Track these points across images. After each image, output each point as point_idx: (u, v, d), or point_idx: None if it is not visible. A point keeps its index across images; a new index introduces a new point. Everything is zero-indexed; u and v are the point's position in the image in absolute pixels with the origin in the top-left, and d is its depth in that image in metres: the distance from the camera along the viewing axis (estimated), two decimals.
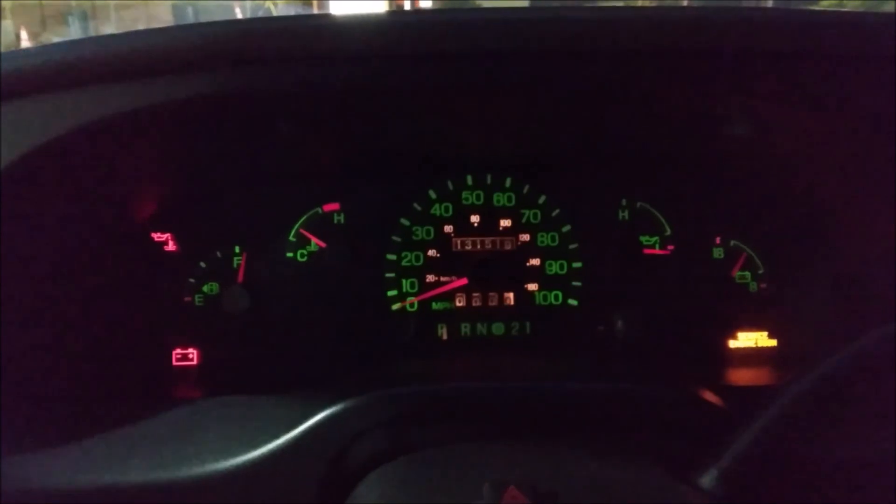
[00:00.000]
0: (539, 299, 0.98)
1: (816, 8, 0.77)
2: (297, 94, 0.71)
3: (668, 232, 0.99)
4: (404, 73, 0.69)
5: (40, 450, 0.69)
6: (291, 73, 0.67)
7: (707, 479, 0.57)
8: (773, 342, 0.99)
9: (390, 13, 0.71)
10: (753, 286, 0.99)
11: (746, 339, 0.99)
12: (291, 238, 0.96)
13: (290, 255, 0.96)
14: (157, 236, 0.93)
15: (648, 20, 0.67)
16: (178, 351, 0.93)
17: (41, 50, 0.66)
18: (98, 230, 0.86)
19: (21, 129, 0.65)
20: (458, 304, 0.98)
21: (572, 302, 0.98)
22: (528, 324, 0.99)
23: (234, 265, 0.95)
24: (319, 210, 0.96)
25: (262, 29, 0.66)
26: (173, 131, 0.77)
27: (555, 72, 0.71)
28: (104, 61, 0.65)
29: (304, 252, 0.96)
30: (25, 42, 11.94)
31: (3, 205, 0.68)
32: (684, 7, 0.73)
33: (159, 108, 0.66)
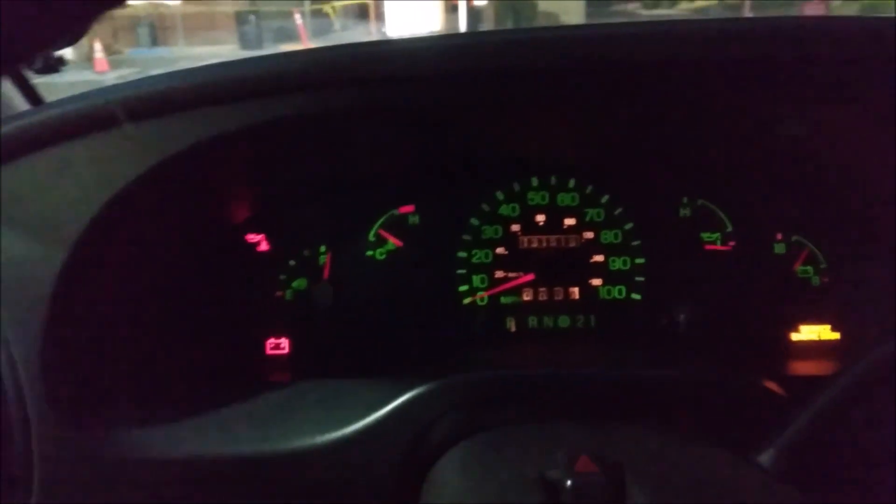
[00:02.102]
0: (603, 293, 1.03)
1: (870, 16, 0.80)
2: (376, 111, 0.78)
3: (730, 228, 1.02)
4: (472, 91, 0.76)
5: (158, 424, 0.78)
6: (371, 94, 0.74)
7: (766, 457, 0.62)
8: (837, 335, 1.01)
9: (459, 35, 0.77)
10: (816, 280, 1.02)
11: (809, 333, 1.01)
12: (371, 238, 1.04)
13: (369, 253, 1.04)
14: (251, 238, 1.02)
15: (704, 33, 0.72)
16: (272, 341, 1.02)
17: (157, 78, 0.75)
18: (201, 234, 0.96)
19: (143, 149, 0.74)
20: (525, 298, 1.04)
21: (636, 296, 1.03)
22: (592, 317, 1.03)
23: (320, 263, 1.03)
24: (396, 212, 1.04)
25: (345, 55, 0.74)
26: (265, 148, 0.85)
27: (614, 85, 0.76)
28: (207, 88, 0.73)
29: (383, 251, 1.04)
30: (99, 53, 12.56)
31: (127, 215, 0.78)
32: (738, 18, 0.77)
33: (254, 129, 0.74)
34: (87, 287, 0.77)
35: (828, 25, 0.73)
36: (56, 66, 1.20)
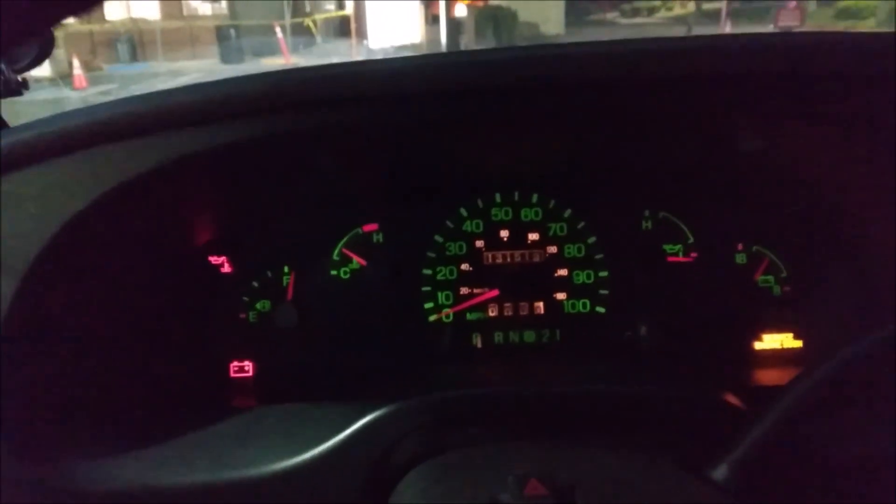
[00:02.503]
0: (568, 307, 1.04)
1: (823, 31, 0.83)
2: (338, 133, 0.78)
3: (691, 240, 1.03)
4: (434, 110, 0.77)
5: (113, 453, 0.77)
6: (332, 115, 0.74)
7: (719, 472, 0.62)
8: (799, 343, 1.02)
9: (420, 57, 0.78)
10: (777, 289, 1.03)
11: (772, 342, 1.02)
12: (335, 257, 1.03)
13: (333, 272, 1.03)
14: (213, 259, 1.01)
15: (663, 50, 0.73)
16: (235, 364, 1.01)
17: (113, 104, 0.75)
18: (162, 257, 0.95)
19: (95, 175, 0.73)
20: (490, 314, 1.04)
21: (600, 309, 1.03)
22: (557, 331, 1.04)
23: (284, 284, 1.02)
24: (360, 231, 1.04)
25: (307, 78, 0.74)
26: (227, 170, 0.85)
27: (575, 103, 0.78)
28: (167, 112, 0.73)
29: (347, 270, 1.03)
30: (78, 69, 12.49)
31: (86, 237, 0.77)
32: (697, 36, 0.79)
33: (215, 152, 0.74)
34: (39, 315, 0.76)
35: (784, 43, 0.75)
36: (19, 88, 1.19)
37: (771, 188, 1.01)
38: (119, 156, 0.73)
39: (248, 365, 1.01)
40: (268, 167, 0.90)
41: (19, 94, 1.21)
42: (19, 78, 1.19)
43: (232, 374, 1.01)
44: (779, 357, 1.01)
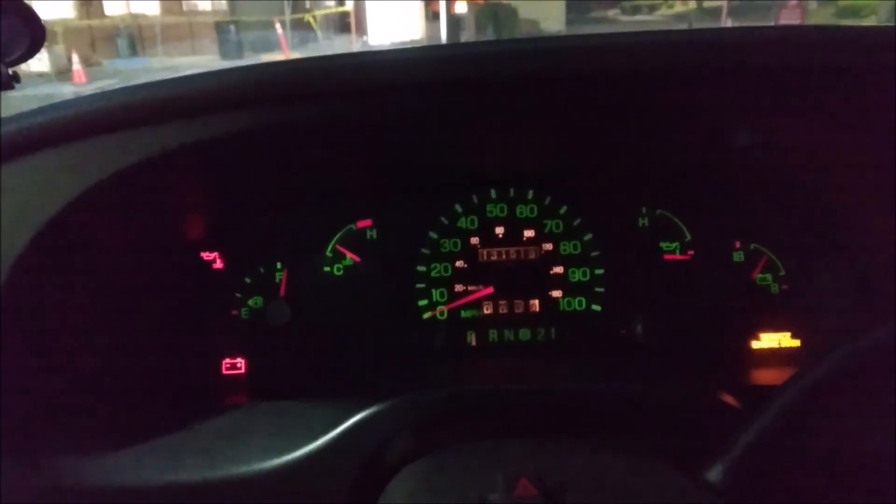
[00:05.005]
0: (563, 305, 1.03)
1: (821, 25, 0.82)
2: (332, 126, 0.77)
3: (688, 237, 1.02)
4: (429, 104, 0.76)
5: (103, 450, 0.76)
6: (326, 108, 0.73)
7: (713, 473, 0.61)
8: (797, 342, 1.01)
9: (415, 49, 0.77)
10: (775, 288, 1.02)
11: (769, 340, 1.01)
12: (328, 254, 1.02)
13: (327, 269, 1.02)
14: (205, 255, 1.00)
15: (660, 44, 0.72)
16: (227, 360, 1.00)
17: (100, 96, 0.74)
18: (153, 252, 0.94)
19: (83, 168, 0.72)
20: (485, 311, 1.03)
21: (595, 307, 1.02)
22: (552, 329, 1.03)
23: (277, 280, 1.01)
24: (353, 227, 1.03)
25: (301, 70, 0.73)
26: (219, 164, 0.84)
27: (571, 97, 0.76)
28: (156, 104, 0.72)
29: (340, 266, 1.02)
30: (77, 65, 12.47)
31: (72, 233, 0.76)
32: (693, 30, 0.77)
33: (206, 144, 0.73)
34: (26, 310, 0.75)
35: (781, 36, 0.74)
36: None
37: (768, 186, 1.00)
38: (107, 148, 0.72)
39: (241, 362, 1.00)
40: (260, 161, 0.88)
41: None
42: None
43: (224, 371, 1.00)
44: (776, 356, 1.00)
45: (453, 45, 0.76)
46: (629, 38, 0.73)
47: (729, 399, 0.77)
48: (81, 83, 12.06)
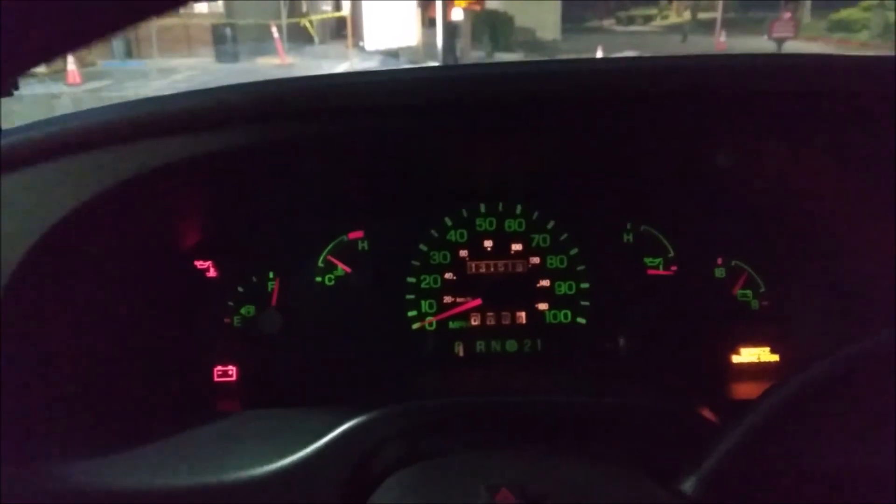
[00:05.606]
0: (549, 318, 1.05)
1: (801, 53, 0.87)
2: (324, 142, 0.80)
3: (672, 253, 1.05)
4: (420, 122, 0.79)
5: (95, 456, 0.77)
6: (319, 126, 0.76)
7: (688, 485, 0.63)
8: (776, 357, 1.04)
9: (407, 70, 0.80)
10: (755, 304, 1.04)
11: (749, 355, 1.03)
12: (320, 264, 1.04)
13: (318, 279, 1.04)
14: (199, 264, 1.02)
15: (646, 68, 0.75)
16: (219, 368, 1.02)
17: (102, 110, 0.76)
18: (148, 260, 0.96)
19: (82, 180, 0.74)
20: (473, 322, 1.05)
21: (581, 320, 1.05)
22: (539, 341, 1.05)
23: (269, 289, 1.03)
24: (345, 238, 1.05)
25: (293, 88, 0.75)
26: (214, 177, 0.86)
27: (561, 117, 0.80)
28: (155, 119, 0.74)
29: (332, 277, 1.04)
30: (72, 65, 12.43)
31: (68, 243, 0.78)
32: (679, 56, 0.81)
33: (203, 159, 0.75)
34: (23, 319, 0.77)
35: (763, 63, 0.77)
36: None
37: (751, 204, 1.02)
38: (106, 161, 0.74)
39: (232, 369, 1.02)
40: (254, 175, 0.91)
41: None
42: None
43: (216, 379, 1.02)
44: (755, 371, 1.02)
45: (445, 68, 0.79)
46: (616, 63, 0.76)
47: (708, 413, 0.79)
48: (76, 83, 12.03)
